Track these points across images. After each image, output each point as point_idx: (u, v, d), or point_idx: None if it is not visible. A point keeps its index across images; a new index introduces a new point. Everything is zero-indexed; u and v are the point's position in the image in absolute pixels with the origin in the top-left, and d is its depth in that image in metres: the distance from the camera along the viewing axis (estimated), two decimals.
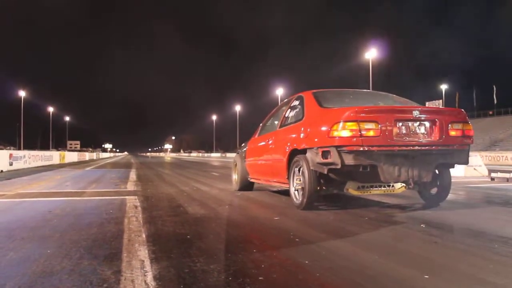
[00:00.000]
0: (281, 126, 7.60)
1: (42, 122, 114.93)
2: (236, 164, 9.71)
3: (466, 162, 6.17)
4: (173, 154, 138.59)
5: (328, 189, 6.18)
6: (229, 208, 6.55)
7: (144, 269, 3.14)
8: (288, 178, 6.66)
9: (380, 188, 6.18)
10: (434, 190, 6.63)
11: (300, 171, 6.18)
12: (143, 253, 3.61)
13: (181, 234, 4.47)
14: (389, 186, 6.18)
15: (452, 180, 6.57)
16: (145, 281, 2.87)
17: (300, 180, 6.21)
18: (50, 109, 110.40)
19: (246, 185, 9.28)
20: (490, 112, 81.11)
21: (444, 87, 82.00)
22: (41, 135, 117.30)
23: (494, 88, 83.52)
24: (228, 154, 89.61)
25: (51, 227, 4.85)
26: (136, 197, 7.95)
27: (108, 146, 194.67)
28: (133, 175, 15.59)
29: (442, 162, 5.98)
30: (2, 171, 17.38)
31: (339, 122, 5.45)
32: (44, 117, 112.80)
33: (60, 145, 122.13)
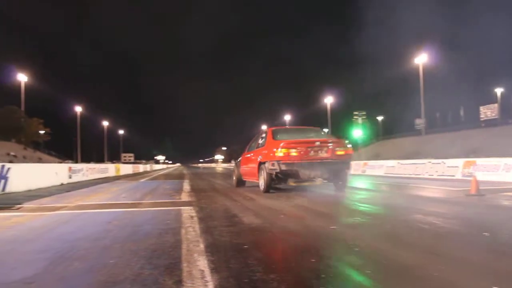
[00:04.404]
0: (257, 148, 12.66)
1: (97, 136, 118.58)
2: (234, 170, 15.30)
3: (348, 169, 11.33)
4: (224, 165, 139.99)
5: (278, 182, 10.94)
6: (284, 218, 6.53)
7: (205, 279, 3.18)
8: (259, 177, 11.70)
9: (307, 182, 10.66)
10: (339, 182, 11.28)
11: (263, 173, 11.19)
12: (202, 263, 3.66)
13: (238, 244, 4.50)
14: (312, 181, 10.60)
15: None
16: None
17: (263, 178, 11.22)
18: (105, 123, 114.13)
19: (241, 182, 14.64)
20: None
21: (499, 90, 78.62)
22: (97, 148, 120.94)
23: None
24: None
25: (111, 238, 5.00)
26: (191, 207, 8.07)
27: (160, 158, 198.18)
28: (186, 186, 15.83)
29: (333, 168, 10.68)
30: (62, 183, 18.06)
31: (278, 148, 10.46)
32: (99, 131, 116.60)
33: (114, 158, 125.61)
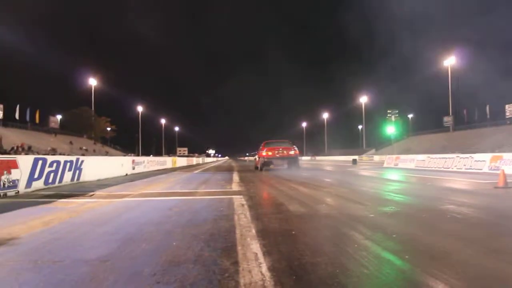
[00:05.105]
0: (259, 150, 21.91)
1: (155, 132, 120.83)
2: (256, 161, 24.51)
3: (298, 161, 21.32)
4: None
5: (266, 167, 21.28)
6: (326, 206, 6.45)
7: (258, 261, 3.17)
8: (259, 164, 22.02)
9: (279, 166, 21.19)
10: (292, 166, 20.54)
11: (259, 162, 21.78)
12: (255, 246, 3.66)
13: (287, 230, 4.48)
14: (281, 166, 21.19)
15: None
16: (260, 271, 2.90)
17: (259, 164, 21.62)
18: (163, 121, 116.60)
19: (256, 168, 23.05)
20: None
21: None
22: (155, 143, 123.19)
23: None
24: (318, 157, 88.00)
25: (172, 223, 5.09)
26: (241, 196, 8.12)
27: (211, 151, 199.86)
28: (235, 177, 15.95)
29: (289, 160, 20.69)
30: (127, 174, 18.57)
31: (264, 150, 20.95)
32: (157, 128, 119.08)
33: (170, 151, 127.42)
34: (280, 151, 20.57)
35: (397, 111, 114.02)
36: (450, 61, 61.43)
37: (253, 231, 4.41)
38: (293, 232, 4.33)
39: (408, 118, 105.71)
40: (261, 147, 21.79)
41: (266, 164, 20.90)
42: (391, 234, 4.16)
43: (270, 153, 20.54)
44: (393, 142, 69.18)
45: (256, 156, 24.53)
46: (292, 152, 20.66)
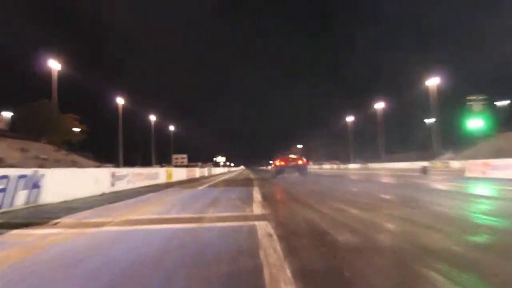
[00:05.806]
0: (274, 161, 40.49)
1: (143, 134, 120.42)
2: (271, 170, 43.55)
3: (306, 169, 37.88)
4: None
5: (280, 174, 36.67)
6: (388, 235, 6.39)
7: None
8: (273, 172, 39.24)
9: (291, 174, 36.98)
10: (302, 174, 36.51)
11: (273, 171, 39.22)
12: None
13: (336, 269, 4.45)
14: (292, 173, 36.89)
15: None
16: None
17: (273, 173, 38.53)
18: (152, 118, 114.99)
19: (272, 176, 37.83)
20: None
21: None
22: (142, 149, 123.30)
23: None
24: (371, 165, 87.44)
25: (173, 261, 5.10)
26: (267, 222, 8.10)
27: (220, 159, 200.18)
28: (257, 194, 15.84)
29: (299, 169, 36.70)
30: (103, 193, 18.68)
31: (277, 160, 37.61)
32: (144, 128, 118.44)
33: (164, 160, 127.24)
34: (291, 161, 35.66)
35: (484, 97, 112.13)
36: None
37: (288, 272, 4.38)
38: (345, 273, 4.28)
39: (497, 107, 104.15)
40: (275, 158, 38.17)
41: (279, 172, 35.73)
42: (490, 276, 4.08)
43: (282, 163, 35.53)
44: (479, 140, 68.02)
45: (272, 166, 40.56)
46: (300, 162, 35.75)
